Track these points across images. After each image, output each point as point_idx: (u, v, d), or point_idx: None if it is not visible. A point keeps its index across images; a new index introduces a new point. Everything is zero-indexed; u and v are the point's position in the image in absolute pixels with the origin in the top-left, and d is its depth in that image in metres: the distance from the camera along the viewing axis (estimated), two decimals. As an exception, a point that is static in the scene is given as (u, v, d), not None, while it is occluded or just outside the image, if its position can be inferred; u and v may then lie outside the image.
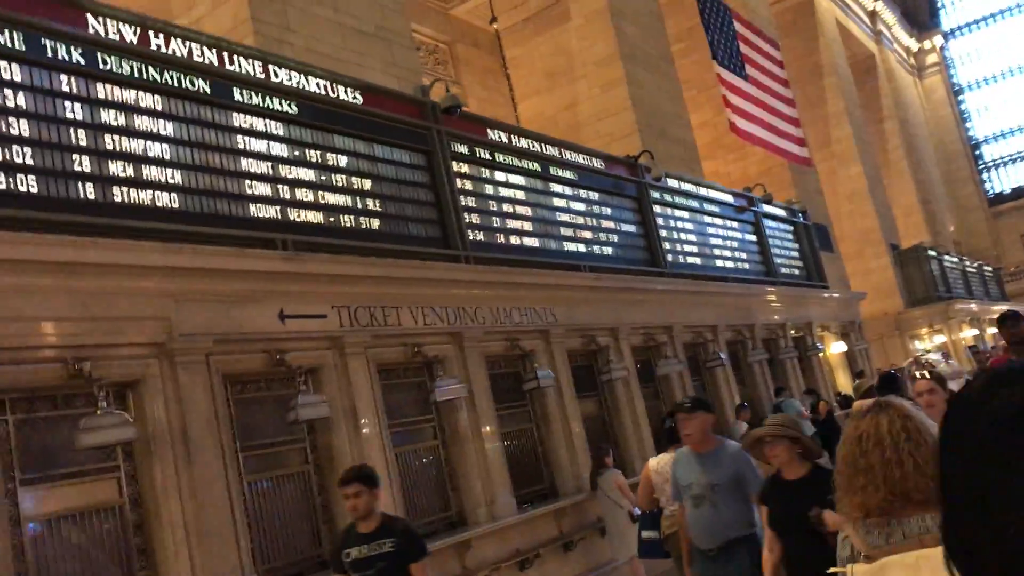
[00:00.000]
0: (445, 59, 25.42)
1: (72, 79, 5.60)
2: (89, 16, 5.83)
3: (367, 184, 7.55)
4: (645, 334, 10.27)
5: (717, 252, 13.23)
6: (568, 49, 17.58)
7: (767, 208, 15.47)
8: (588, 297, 9.39)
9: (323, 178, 7.17)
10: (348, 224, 7.26)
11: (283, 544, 5.99)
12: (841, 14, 30.64)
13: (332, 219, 7.14)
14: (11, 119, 5.18)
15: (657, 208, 12.00)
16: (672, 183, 12.67)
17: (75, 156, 5.47)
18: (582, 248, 10.14)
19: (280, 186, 6.79)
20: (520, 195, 9.45)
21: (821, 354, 14.96)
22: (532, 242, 9.36)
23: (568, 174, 10.36)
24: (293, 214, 6.83)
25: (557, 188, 10.14)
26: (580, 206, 10.43)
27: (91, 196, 5.49)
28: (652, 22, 17.81)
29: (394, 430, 6.89)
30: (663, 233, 11.91)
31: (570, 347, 8.98)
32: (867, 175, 26.17)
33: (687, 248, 12.45)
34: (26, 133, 5.25)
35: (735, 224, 14.24)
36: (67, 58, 5.57)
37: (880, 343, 23.60)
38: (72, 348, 4.84)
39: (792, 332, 14.02)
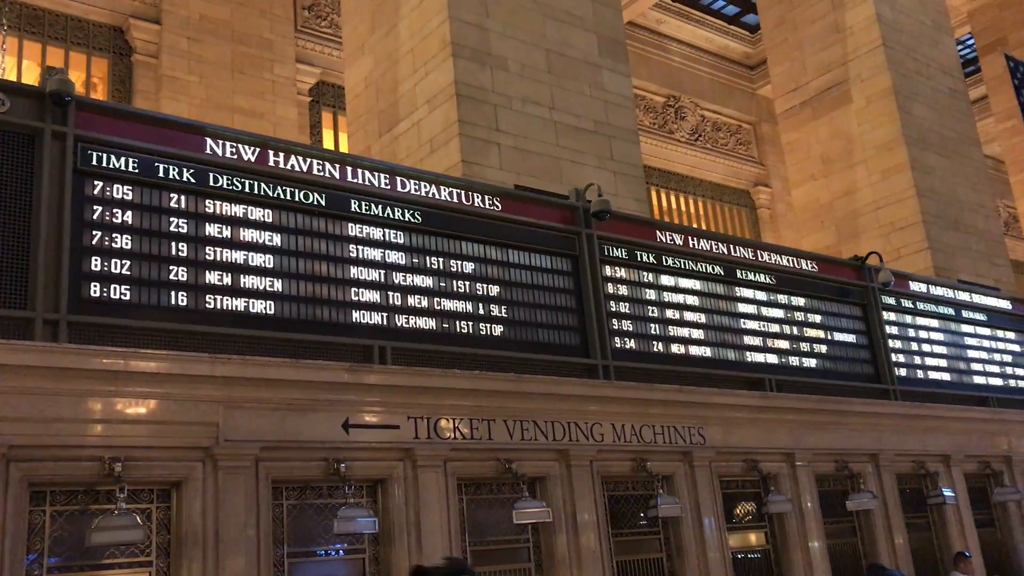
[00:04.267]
0: (748, 139, 24.89)
1: (181, 197, 6.21)
2: (208, 139, 6.45)
3: (494, 290, 7.50)
4: (837, 462, 9.02)
5: (976, 367, 11.33)
6: (847, 133, 16.41)
7: (1066, 317, 13.02)
8: (756, 417, 8.47)
9: (442, 284, 7.23)
10: (465, 331, 7.25)
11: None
12: None
13: (447, 325, 7.17)
14: (115, 234, 5.86)
15: (891, 315, 10.61)
16: (918, 287, 11.14)
17: (172, 267, 6.04)
18: (772, 359, 9.22)
19: (391, 293, 6.95)
20: (692, 300, 8.84)
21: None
22: (701, 351, 8.69)
23: (763, 278, 9.52)
24: (401, 321, 6.95)
25: (746, 293, 9.36)
26: (776, 312, 9.52)
27: (183, 304, 6.03)
28: (953, 102, 16.07)
29: (476, 549, 6.67)
30: (896, 344, 10.48)
31: (724, 472, 8.12)
32: None
33: (929, 362, 10.81)
34: (128, 246, 5.90)
35: (1012, 336, 12.12)
36: (177, 177, 6.19)
37: None
38: (110, 448, 5.27)
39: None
